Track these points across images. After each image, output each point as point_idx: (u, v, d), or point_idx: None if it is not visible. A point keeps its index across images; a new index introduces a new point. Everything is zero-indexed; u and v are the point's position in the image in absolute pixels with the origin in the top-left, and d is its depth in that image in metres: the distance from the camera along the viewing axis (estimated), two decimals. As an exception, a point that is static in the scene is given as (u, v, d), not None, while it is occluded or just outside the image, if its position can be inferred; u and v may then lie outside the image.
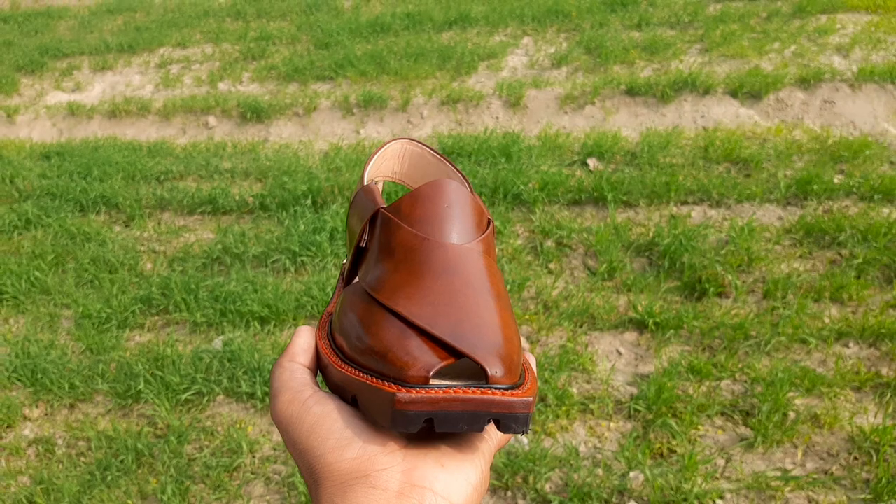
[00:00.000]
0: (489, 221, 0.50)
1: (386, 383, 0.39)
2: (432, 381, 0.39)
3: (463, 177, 0.58)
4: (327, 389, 0.45)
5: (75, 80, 4.65)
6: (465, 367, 0.41)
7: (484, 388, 0.39)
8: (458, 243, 0.47)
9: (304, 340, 0.47)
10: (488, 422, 0.39)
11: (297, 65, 4.24)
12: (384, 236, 0.48)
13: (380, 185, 0.59)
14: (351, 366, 0.43)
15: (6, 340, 2.43)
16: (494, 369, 0.40)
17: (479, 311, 0.43)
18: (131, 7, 5.79)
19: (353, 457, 0.39)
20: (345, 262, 0.55)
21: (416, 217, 0.48)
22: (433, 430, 0.38)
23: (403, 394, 0.38)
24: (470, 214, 0.48)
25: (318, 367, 0.47)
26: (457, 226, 0.48)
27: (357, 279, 0.52)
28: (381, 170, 0.60)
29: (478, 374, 0.40)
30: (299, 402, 0.42)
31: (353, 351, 0.43)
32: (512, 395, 0.39)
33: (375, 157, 0.59)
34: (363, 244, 0.50)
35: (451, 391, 0.38)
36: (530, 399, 0.40)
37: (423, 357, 0.40)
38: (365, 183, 0.56)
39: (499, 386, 0.40)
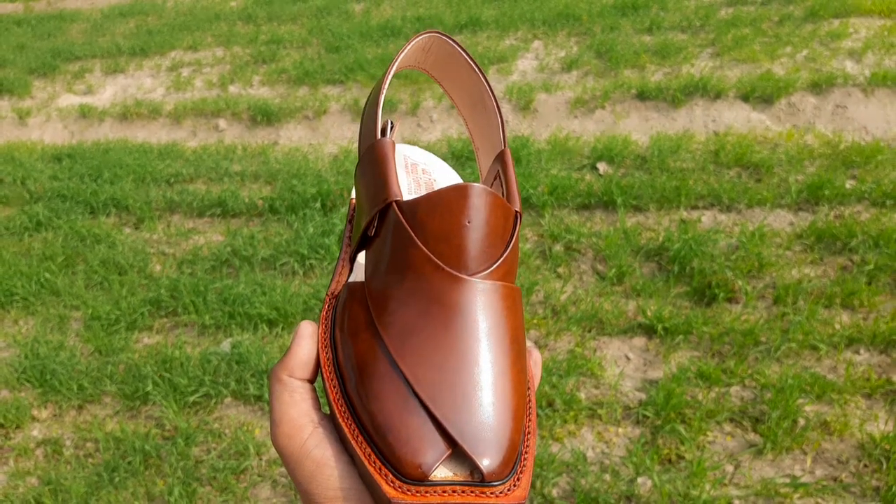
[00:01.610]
0: (516, 218, 0.46)
1: (382, 475, 0.38)
2: (432, 475, 0.38)
3: (489, 87, 0.53)
4: (327, 410, 0.44)
5: (87, 83, 4.68)
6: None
7: (480, 488, 0.38)
8: (477, 271, 0.43)
9: (304, 352, 0.45)
10: None
11: (308, 68, 4.25)
12: (396, 246, 0.44)
13: (397, 127, 0.52)
14: (350, 413, 0.41)
15: (16, 342, 2.44)
16: (492, 465, 0.38)
17: (488, 381, 0.40)
18: (143, 10, 5.83)
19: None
20: (349, 227, 0.51)
21: (433, 231, 0.43)
22: None
23: (398, 501, 0.37)
24: (494, 228, 0.44)
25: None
26: (476, 247, 0.43)
27: (362, 264, 0.49)
28: (404, 62, 0.55)
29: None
30: (299, 441, 0.42)
31: (352, 394, 0.41)
32: (507, 498, 0.38)
33: (402, 54, 0.53)
34: (371, 233, 0.46)
35: (446, 496, 0.38)
36: (524, 501, 0.39)
37: (422, 451, 0.38)
38: (383, 93, 0.51)
39: (495, 483, 0.38)
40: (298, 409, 0.43)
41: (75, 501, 1.84)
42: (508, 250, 0.44)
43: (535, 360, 0.48)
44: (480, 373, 0.40)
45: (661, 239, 2.47)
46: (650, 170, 2.88)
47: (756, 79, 3.35)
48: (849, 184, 2.63)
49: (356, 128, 3.70)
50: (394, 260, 0.43)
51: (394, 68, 0.53)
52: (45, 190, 3.41)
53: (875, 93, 3.16)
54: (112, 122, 4.19)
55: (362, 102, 3.79)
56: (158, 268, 2.75)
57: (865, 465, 1.68)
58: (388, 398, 0.40)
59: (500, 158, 0.50)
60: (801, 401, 1.83)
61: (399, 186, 0.45)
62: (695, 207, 2.65)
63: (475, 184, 0.44)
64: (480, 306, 0.42)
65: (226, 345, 2.28)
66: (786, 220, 2.52)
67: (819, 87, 3.24)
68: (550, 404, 1.92)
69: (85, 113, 4.27)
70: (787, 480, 1.66)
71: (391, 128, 0.50)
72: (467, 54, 0.54)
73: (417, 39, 0.54)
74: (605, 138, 3.15)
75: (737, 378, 1.93)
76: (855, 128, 3.04)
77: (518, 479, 0.39)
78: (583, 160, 3.05)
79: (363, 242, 0.47)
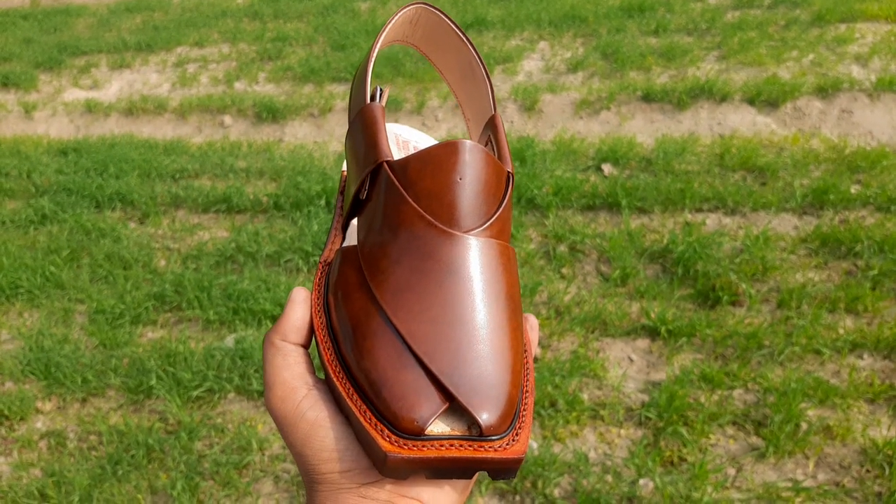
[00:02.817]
0: (508, 178, 0.45)
1: (378, 430, 0.38)
2: (429, 430, 0.38)
3: (477, 56, 0.53)
4: (321, 374, 0.44)
5: (93, 78, 4.69)
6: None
7: (478, 442, 0.37)
8: (470, 228, 0.42)
9: (298, 316, 0.44)
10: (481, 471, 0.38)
11: (313, 66, 4.25)
12: (388, 205, 0.43)
13: (386, 93, 0.50)
14: (345, 373, 0.41)
15: (20, 334, 2.45)
16: (490, 419, 0.37)
17: (484, 335, 0.40)
18: (149, 6, 5.83)
19: (345, 469, 0.39)
20: (340, 198, 0.51)
21: (424, 189, 0.43)
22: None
23: (395, 454, 0.37)
24: (486, 185, 0.43)
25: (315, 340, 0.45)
26: (469, 204, 0.42)
27: (355, 229, 0.48)
28: (391, 35, 0.54)
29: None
30: (293, 403, 0.41)
31: (347, 354, 0.41)
32: (505, 452, 0.37)
33: (388, 27, 0.52)
34: (363, 196, 0.45)
35: (444, 449, 0.37)
36: (523, 456, 0.38)
37: (418, 405, 0.37)
38: (371, 62, 0.50)
39: (493, 437, 0.37)
40: (292, 371, 0.42)
41: (78, 494, 1.85)
42: (501, 208, 0.44)
43: (532, 325, 0.48)
44: (476, 327, 0.40)
45: (665, 241, 2.47)
46: (655, 172, 2.88)
47: (762, 82, 3.35)
48: (854, 188, 2.64)
49: (361, 126, 3.70)
50: (386, 219, 0.43)
51: (381, 40, 0.52)
52: (51, 184, 3.41)
53: (881, 98, 3.16)
54: (118, 116, 4.20)
55: (368, 101, 3.79)
56: (163, 263, 2.76)
57: (868, 471, 1.69)
58: (383, 354, 0.39)
59: (491, 122, 0.50)
60: (803, 405, 1.83)
61: (390, 148, 0.45)
62: (699, 210, 2.65)
63: (465, 140, 0.44)
64: (474, 262, 0.41)
65: (229, 340, 2.28)
66: (790, 223, 2.53)
67: (825, 91, 3.24)
68: (553, 405, 1.92)
69: (91, 107, 4.27)
70: (790, 484, 1.66)
71: (380, 94, 0.49)
72: (454, 24, 0.53)
73: (404, 11, 0.53)
74: (610, 140, 3.15)
75: (740, 381, 1.93)
76: (860, 133, 3.04)
77: (517, 435, 0.38)
78: (587, 161, 3.05)
79: (355, 208, 0.46)
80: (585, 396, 1.95)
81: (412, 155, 0.44)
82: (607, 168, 2.97)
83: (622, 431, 1.85)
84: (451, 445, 0.37)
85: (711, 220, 2.59)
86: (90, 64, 4.86)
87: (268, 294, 2.41)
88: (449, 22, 0.53)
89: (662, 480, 1.68)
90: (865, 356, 1.99)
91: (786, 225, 2.52)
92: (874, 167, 2.73)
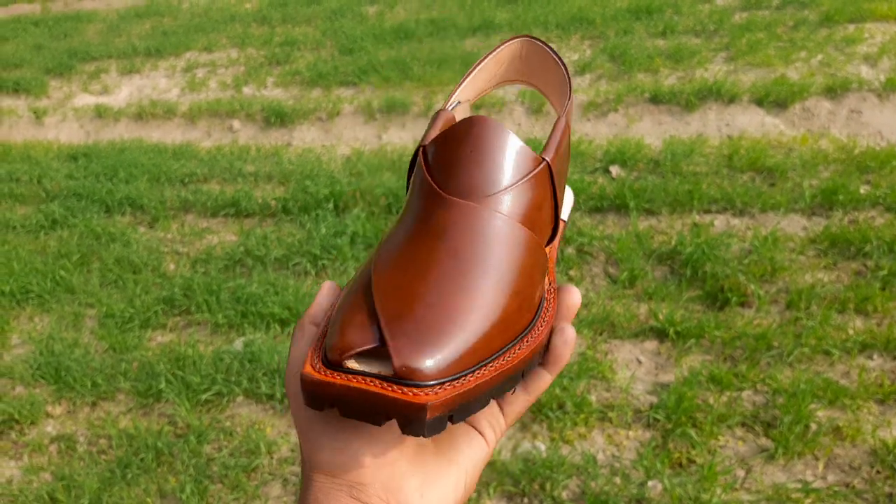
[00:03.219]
0: (539, 163, 0.45)
1: (311, 357, 0.39)
2: (350, 364, 0.37)
3: (567, 73, 0.52)
4: None
5: (103, 83, 4.72)
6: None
7: (388, 382, 0.36)
8: (475, 196, 0.42)
9: (324, 301, 0.46)
10: (389, 418, 0.37)
11: (321, 70, 4.27)
12: (414, 181, 0.46)
13: (464, 108, 0.52)
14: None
15: (31, 338, 2.46)
16: (408, 363, 0.36)
17: (448, 292, 0.39)
18: (159, 12, 5.87)
19: (341, 465, 0.39)
20: None
21: (441, 162, 0.44)
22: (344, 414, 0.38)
23: (308, 375, 0.37)
24: (497, 160, 0.43)
25: None
26: (479, 175, 0.43)
27: None
28: (499, 74, 0.54)
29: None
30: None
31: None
32: (406, 395, 0.36)
33: (483, 63, 0.52)
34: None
35: (353, 380, 0.37)
36: (425, 404, 0.36)
37: (350, 340, 0.38)
38: (451, 99, 0.51)
39: (406, 382, 0.36)
40: (306, 350, 0.43)
41: (88, 497, 1.86)
42: (515, 184, 0.43)
43: (569, 304, 0.46)
44: (441, 284, 0.39)
45: (673, 242, 2.47)
46: (663, 173, 2.88)
47: (770, 83, 3.34)
48: (863, 189, 2.62)
49: (369, 130, 3.72)
50: (411, 194, 0.45)
51: (484, 81, 0.52)
52: (61, 189, 3.44)
53: (890, 98, 3.15)
54: (127, 121, 4.22)
55: (375, 104, 3.81)
56: (172, 267, 2.77)
57: (878, 472, 1.68)
58: (350, 297, 0.41)
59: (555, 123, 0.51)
60: (813, 406, 1.82)
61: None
62: (707, 211, 2.64)
63: (484, 116, 0.45)
64: (462, 226, 0.41)
65: (238, 344, 2.29)
66: (799, 224, 2.52)
67: (834, 91, 3.23)
68: (561, 406, 1.92)
69: (101, 113, 4.30)
70: (799, 486, 1.65)
71: (456, 104, 0.52)
72: (552, 49, 0.54)
73: (506, 48, 0.53)
74: (617, 142, 3.15)
75: (749, 382, 1.92)
76: (870, 133, 3.03)
77: (437, 391, 0.36)
78: (595, 163, 3.05)
79: None
80: (594, 398, 1.94)
81: (440, 133, 0.46)
82: (615, 170, 2.97)
83: (630, 433, 1.85)
84: (363, 380, 0.37)
85: (720, 222, 2.58)
86: (100, 69, 4.89)
87: (276, 298, 2.42)
88: (549, 50, 0.54)
89: (671, 482, 1.67)
90: (875, 357, 1.97)
91: (795, 226, 2.51)
92: (883, 167, 2.71)
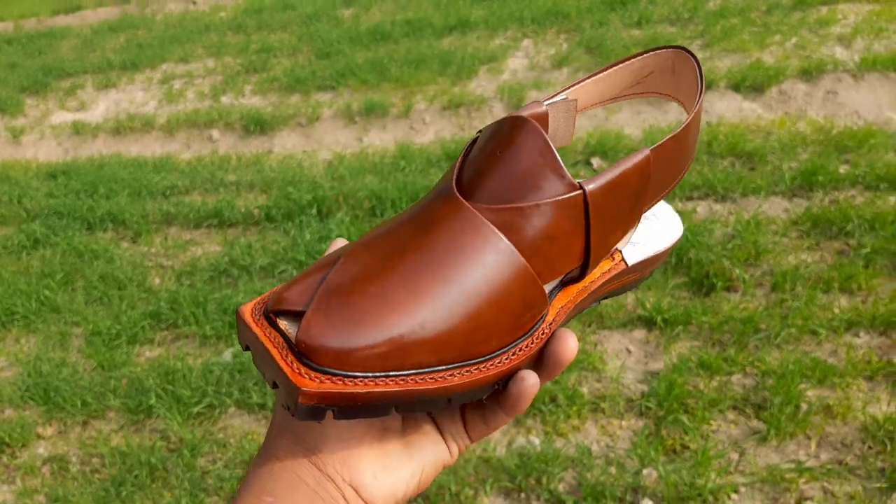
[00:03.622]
0: (575, 192, 0.39)
1: (264, 298, 0.39)
2: (281, 321, 0.37)
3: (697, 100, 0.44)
4: None
5: (79, 100, 4.69)
6: None
7: (288, 350, 0.35)
8: (479, 201, 0.39)
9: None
10: (276, 386, 0.36)
11: (299, 75, 4.26)
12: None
13: (568, 107, 0.45)
14: None
15: (18, 360, 2.44)
16: (308, 338, 0.35)
17: (394, 284, 0.37)
18: (133, 24, 5.83)
19: (308, 431, 0.40)
20: None
21: (475, 154, 0.41)
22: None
23: (241, 312, 0.38)
24: (524, 173, 0.38)
25: None
26: (495, 181, 0.39)
27: None
28: (636, 85, 0.48)
29: None
30: None
31: None
32: (292, 373, 0.34)
33: (613, 69, 0.46)
34: None
35: (265, 333, 0.36)
36: (301, 389, 0.34)
37: (291, 293, 0.37)
38: (556, 95, 0.45)
39: (301, 355, 0.35)
40: None
41: (83, 516, 1.85)
42: (527, 205, 0.38)
43: (558, 356, 0.42)
44: (391, 276, 0.37)
45: (657, 231, 2.47)
46: (644, 163, 2.88)
47: (746, 68, 3.36)
48: (842, 168, 2.64)
49: (349, 133, 3.71)
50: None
51: (598, 78, 0.47)
52: (42, 207, 3.41)
53: (865, 77, 3.17)
54: (105, 137, 4.19)
55: (354, 107, 3.80)
56: (157, 281, 2.76)
57: (870, 447, 1.69)
58: (324, 259, 0.40)
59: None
60: (802, 386, 1.83)
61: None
62: (689, 198, 2.66)
63: (530, 120, 0.40)
64: (448, 226, 0.38)
65: (227, 355, 2.28)
66: (781, 207, 2.53)
67: (809, 73, 3.25)
68: (553, 400, 1.92)
69: (78, 129, 4.27)
70: (793, 466, 1.66)
71: (561, 100, 0.47)
72: (697, 63, 0.47)
73: (651, 57, 0.47)
74: (597, 134, 3.16)
75: (738, 366, 1.93)
76: (846, 113, 3.05)
77: (322, 380, 0.34)
78: (576, 156, 3.05)
79: None
80: (585, 390, 1.95)
81: (494, 122, 0.42)
82: (596, 162, 2.98)
83: (623, 423, 1.86)
84: (272, 338, 0.36)
85: (702, 208, 2.59)
86: (76, 85, 4.86)
87: (263, 306, 2.41)
88: (697, 71, 0.47)
89: (666, 469, 1.68)
90: (862, 334, 1.99)
91: (776, 208, 2.53)
92: (861, 146, 2.73)
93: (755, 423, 1.79)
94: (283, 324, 0.37)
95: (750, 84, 3.26)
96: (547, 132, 0.45)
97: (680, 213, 2.55)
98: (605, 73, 0.47)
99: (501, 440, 1.85)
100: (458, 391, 0.37)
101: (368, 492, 0.40)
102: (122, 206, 3.24)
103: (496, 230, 0.38)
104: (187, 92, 4.49)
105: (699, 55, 3.59)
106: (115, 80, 4.82)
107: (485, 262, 0.38)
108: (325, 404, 0.34)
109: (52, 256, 3.01)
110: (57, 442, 2.12)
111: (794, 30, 3.63)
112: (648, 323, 2.14)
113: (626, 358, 2.05)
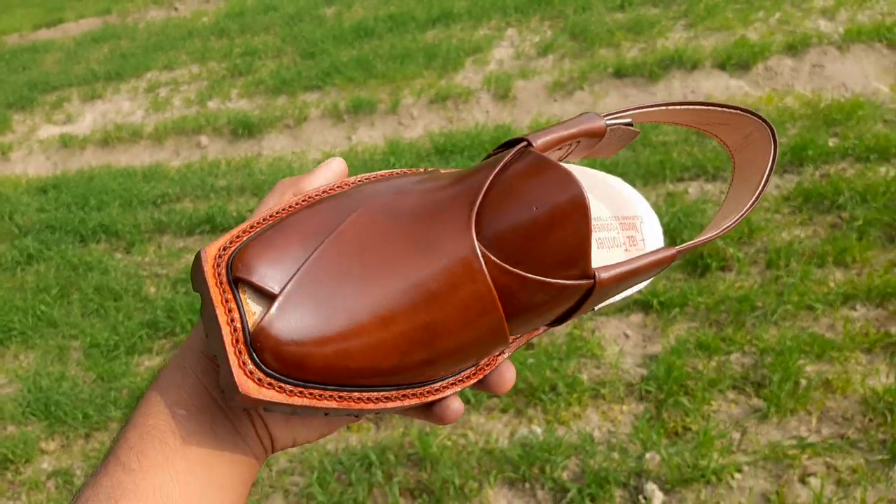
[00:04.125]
0: (587, 282, 0.37)
1: (231, 239, 0.37)
2: (243, 290, 0.34)
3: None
4: None
5: (66, 112, 4.67)
6: None
7: (244, 333, 0.33)
8: (485, 241, 0.36)
9: (319, 181, 0.42)
10: (218, 365, 0.34)
11: (285, 77, 4.24)
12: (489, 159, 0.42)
13: (625, 132, 0.43)
14: None
15: (17, 376, 2.44)
16: (265, 329, 0.33)
17: (365, 294, 0.35)
18: (116, 34, 5.81)
19: (206, 361, 0.40)
20: None
21: (501, 185, 0.37)
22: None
23: (202, 256, 0.35)
24: (555, 249, 0.36)
25: None
26: (516, 236, 0.36)
27: None
28: (705, 123, 0.46)
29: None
30: None
31: None
32: (237, 365, 0.33)
33: (690, 106, 0.44)
34: None
35: (222, 296, 0.34)
36: (239, 389, 0.32)
37: (264, 260, 0.35)
38: (620, 115, 0.43)
39: (252, 352, 0.33)
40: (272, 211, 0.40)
41: (90, 529, 1.85)
42: (536, 279, 0.36)
43: (498, 379, 0.41)
44: (372, 296, 0.35)
45: (649, 214, 2.47)
46: (633, 146, 2.88)
47: (731, 46, 3.35)
48: (832, 142, 2.64)
49: (337, 132, 3.70)
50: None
51: (672, 109, 0.45)
52: (34, 222, 3.40)
53: (850, 49, 3.17)
54: (94, 148, 4.18)
55: (342, 106, 3.79)
56: (153, 290, 2.75)
57: (870, 420, 1.69)
58: (307, 215, 0.38)
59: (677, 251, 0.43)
60: (801, 362, 1.84)
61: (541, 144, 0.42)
62: (680, 179, 2.65)
63: (580, 185, 0.36)
64: (452, 272, 0.35)
65: (226, 360, 2.28)
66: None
67: (794, 48, 3.24)
68: (553, 388, 1.92)
69: (66, 142, 4.26)
70: (795, 442, 1.67)
71: (623, 123, 0.45)
72: (773, 160, 0.46)
73: (735, 115, 0.45)
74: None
75: (736, 345, 1.93)
76: (833, 86, 3.05)
77: (264, 385, 0.33)
78: (566, 143, 3.04)
79: None
80: (585, 377, 1.95)
81: (543, 144, 0.40)
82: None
83: (624, 407, 1.86)
84: (228, 306, 0.34)
85: (693, 189, 2.59)
86: (62, 98, 4.84)
87: (260, 309, 2.40)
88: (773, 152, 0.46)
89: (668, 451, 1.68)
90: (858, 307, 1.99)
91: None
92: (850, 118, 2.73)
93: (755, 402, 1.79)
94: (246, 298, 0.34)
95: (736, 62, 3.26)
96: (596, 145, 0.43)
97: (671, 194, 2.55)
98: (682, 107, 0.45)
99: (503, 432, 1.85)
100: (391, 412, 0.37)
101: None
102: (113, 217, 3.24)
103: (496, 297, 0.36)
104: (173, 99, 4.47)
105: (683, 35, 3.59)
106: (100, 91, 4.80)
107: (470, 320, 0.36)
108: (263, 406, 0.34)
109: (46, 271, 3.00)
110: (60, 456, 2.12)
111: (778, 5, 3.62)
112: (645, 306, 2.14)
113: (624, 343, 2.05)
